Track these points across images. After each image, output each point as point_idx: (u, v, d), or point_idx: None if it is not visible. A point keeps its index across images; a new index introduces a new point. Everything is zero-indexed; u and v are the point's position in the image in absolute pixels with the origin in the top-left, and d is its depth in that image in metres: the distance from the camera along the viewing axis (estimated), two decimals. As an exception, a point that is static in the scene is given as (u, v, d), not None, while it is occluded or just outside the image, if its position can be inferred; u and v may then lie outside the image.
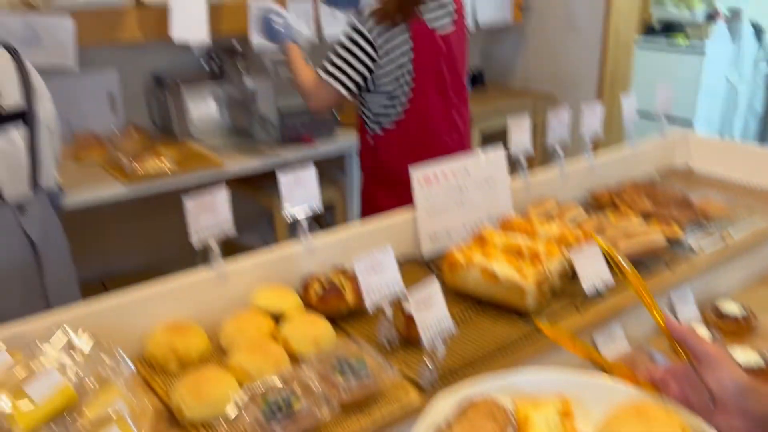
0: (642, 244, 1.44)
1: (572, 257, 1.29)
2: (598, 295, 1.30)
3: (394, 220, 1.50)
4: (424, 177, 1.50)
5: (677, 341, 0.83)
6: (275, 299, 1.23)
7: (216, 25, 2.48)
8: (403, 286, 1.13)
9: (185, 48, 2.68)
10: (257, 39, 2.41)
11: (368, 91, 2.10)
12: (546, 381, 0.86)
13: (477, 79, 3.72)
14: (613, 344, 1.30)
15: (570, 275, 1.34)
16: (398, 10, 1.99)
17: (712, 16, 4.90)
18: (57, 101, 1.63)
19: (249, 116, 2.67)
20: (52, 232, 1.58)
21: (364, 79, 2.04)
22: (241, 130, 2.75)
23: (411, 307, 1.04)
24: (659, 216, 1.62)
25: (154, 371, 1.09)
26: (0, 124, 1.43)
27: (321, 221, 2.99)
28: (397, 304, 1.15)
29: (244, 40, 2.62)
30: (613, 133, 3.22)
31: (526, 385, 0.86)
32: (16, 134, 1.46)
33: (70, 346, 0.98)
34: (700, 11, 4.96)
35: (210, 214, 1.18)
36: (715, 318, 1.43)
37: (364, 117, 2.16)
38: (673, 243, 1.51)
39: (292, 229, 1.36)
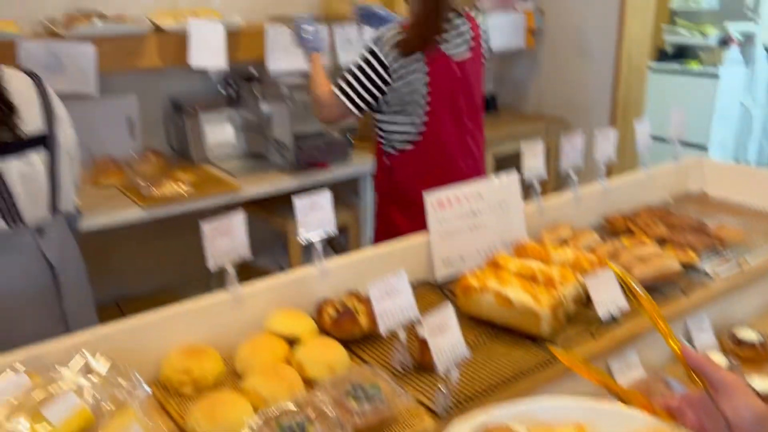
0: (657, 270, 1.43)
1: (586, 282, 1.28)
2: (613, 320, 1.30)
3: (407, 243, 1.51)
4: (437, 201, 1.51)
5: (693, 369, 0.82)
6: (289, 323, 1.24)
7: (233, 51, 2.52)
8: (417, 311, 1.14)
9: (203, 74, 2.73)
10: (273, 65, 2.46)
11: (382, 112, 2.14)
12: (561, 409, 0.86)
13: (490, 104, 3.75)
14: (629, 371, 1.28)
15: (584, 300, 1.34)
16: (421, 41, 2.03)
17: (725, 41, 4.91)
18: (77, 126, 1.66)
19: (264, 140, 2.70)
20: (70, 255, 1.60)
21: (375, 99, 2.09)
22: (257, 154, 2.79)
23: (425, 331, 1.04)
24: (674, 241, 1.61)
25: (169, 394, 1.10)
26: (21, 149, 1.46)
27: (334, 243, 3.00)
28: (411, 329, 1.16)
29: (261, 66, 2.67)
30: (626, 157, 3.21)
31: (541, 413, 0.86)
32: (37, 159, 1.48)
33: (87, 369, 0.99)
34: (713, 36, 4.97)
35: (227, 238, 1.20)
36: (732, 345, 1.42)
37: (380, 138, 2.20)
38: (689, 269, 1.50)
39: (306, 251, 1.37)
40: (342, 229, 2.87)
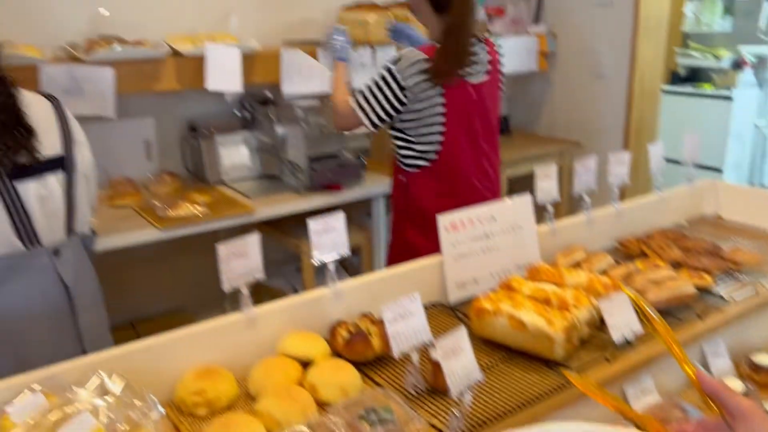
0: (672, 293, 1.42)
1: (601, 306, 1.28)
2: (627, 344, 1.29)
3: (420, 265, 1.51)
4: (450, 223, 1.52)
5: (709, 395, 0.82)
6: (303, 345, 1.24)
7: (249, 75, 2.56)
8: (430, 334, 1.14)
9: (219, 96, 2.77)
10: (288, 88, 2.51)
11: (399, 130, 2.19)
12: (575, 434, 0.85)
13: (503, 126, 3.74)
14: (644, 396, 1.27)
15: (598, 324, 1.33)
16: (450, 74, 2.10)
17: (738, 64, 4.91)
18: (95, 148, 1.69)
19: (279, 162, 2.73)
20: (85, 276, 1.61)
21: (390, 116, 2.15)
22: (271, 175, 2.82)
23: (438, 354, 1.04)
24: (689, 265, 1.60)
25: (183, 415, 1.11)
26: (39, 171, 1.48)
27: (347, 264, 3.01)
28: (424, 351, 1.16)
29: (276, 89, 2.71)
30: (639, 180, 3.20)
31: (555, 438, 0.85)
32: (54, 181, 1.50)
33: (103, 390, 1.00)
34: (726, 59, 4.98)
35: (242, 260, 1.21)
36: (749, 370, 1.40)
37: (397, 156, 2.25)
38: (704, 292, 1.49)
39: (319, 272, 1.38)
40: (355, 250, 2.88)
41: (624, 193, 1.88)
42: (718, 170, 4.67)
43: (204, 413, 1.10)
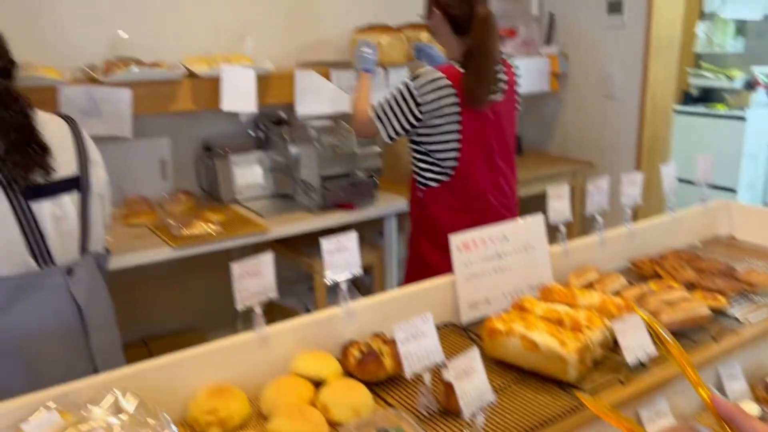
0: (686, 315, 1.41)
1: (614, 327, 1.27)
2: (641, 366, 1.28)
3: (433, 284, 1.51)
4: (462, 243, 1.52)
5: (724, 418, 0.81)
6: (315, 365, 1.24)
7: (263, 95, 2.60)
8: (442, 354, 1.14)
9: (233, 117, 2.81)
10: (302, 109, 2.54)
11: (416, 144, 2.25)
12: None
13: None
14: (658, 419, 1.26)
15: (611, 345, 1.32)
16: (482, 95, 2.16)
17: (751, 84, 4.89)
18: (111, 167, 1.71)
19: (292, 182, 2.75)
20: (98, 295, 1.62)
21: (405, 130, 2.22)
22: (285, 195, 2.84)
23: (450, 375, 1.04)
24: (702, 286, 1.59)
25: (195, 434, 1.11)
26: (54, 191, 1.50)
27: (359, 283, 3.01)
28: (436, 372, 1.15)
29: (290, 109, 2.74)
30: (652, 200, 3.20)
31: (568, 460, 0.84)
32: (69, 201, 1.52)
33: (117, 408, 1.01)
34: (738, 79, 4.97)
35: (255, 279, 1.21)
36: (765, 393, 1.38)
37: (415, 171, 2.31)
38: (718, 314, 1.48)
39: (332, 290, 1.39)
40: (367, 269, 2.89)
41: (636, 214, 1.88)
42: (732, 190, 4.63)
43: (216, 432, 1.10)
